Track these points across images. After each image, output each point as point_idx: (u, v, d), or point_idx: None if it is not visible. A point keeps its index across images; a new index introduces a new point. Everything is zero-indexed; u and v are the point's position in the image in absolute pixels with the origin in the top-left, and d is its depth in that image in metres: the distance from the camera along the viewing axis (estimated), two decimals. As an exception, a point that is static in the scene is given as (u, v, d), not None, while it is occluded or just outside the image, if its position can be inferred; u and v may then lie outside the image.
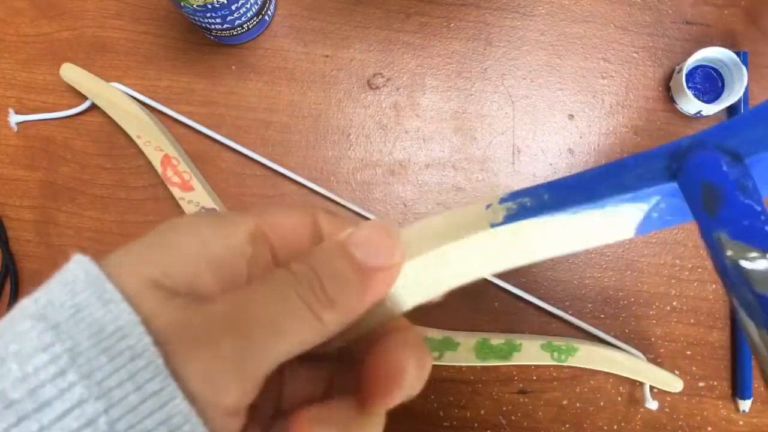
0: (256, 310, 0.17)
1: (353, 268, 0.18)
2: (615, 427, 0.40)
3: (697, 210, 0.17)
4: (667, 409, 0.40)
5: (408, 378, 0.19)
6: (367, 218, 0.40)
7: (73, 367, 0.14)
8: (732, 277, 0.16)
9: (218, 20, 0.36)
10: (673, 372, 0.39)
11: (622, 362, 0.39)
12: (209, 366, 0.15)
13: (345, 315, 0.18)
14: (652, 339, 0.40)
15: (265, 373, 0.16)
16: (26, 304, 0.16)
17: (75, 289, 0.16)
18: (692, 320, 0.40)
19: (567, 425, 0.40)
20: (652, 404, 0.39)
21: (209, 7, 0.34)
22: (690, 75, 0.41)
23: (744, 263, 0.16)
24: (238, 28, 0.38)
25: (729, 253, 0.16)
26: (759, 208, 0.16)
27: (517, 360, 0.38)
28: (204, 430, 0.15)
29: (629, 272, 0.40)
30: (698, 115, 0.40)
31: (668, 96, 0.41)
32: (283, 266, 0.18)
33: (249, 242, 0.19)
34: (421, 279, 0.20)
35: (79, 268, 0.16)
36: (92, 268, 0.16)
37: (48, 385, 0.14)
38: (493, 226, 0.19)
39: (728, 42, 0.41)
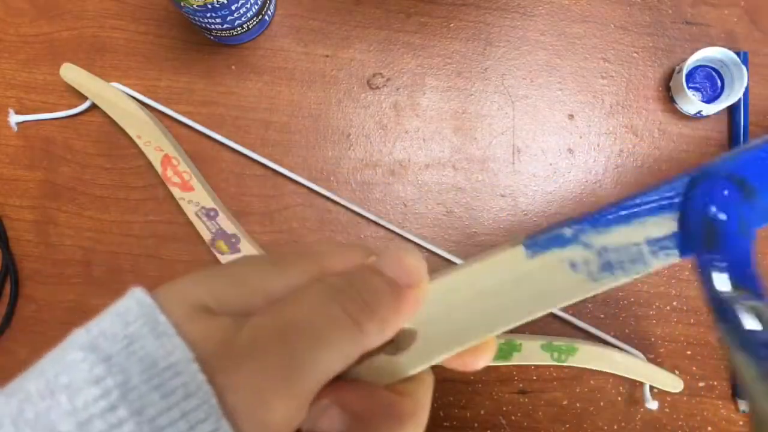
0: (298, 320, 0.16)
1: (386, 283, 0.18)
2: (615, 427, 0.40)
3: (697, 244, 0.18)
4: (667, 409, 0.40)
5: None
6: (367, 218, 0.40)
7: (124, 403, 0.14)
8: (722, 311, 0.17)
9: (218, 20, 0.36)
10: (673, 372, 0.39)
11: (622, 362, 0.39)
12: (255, 383, 0.15)
13: (383, 327, 0.18)
14: (652, 339, 0.40)
15: (313, 389, 0.16)
16: (78, 334, 0.15)
17: (127, 319, 0.15)
18: (692, 320, 0.40)
19: (567, 425, 0.40)
20: (652, 404, 0.39)
21: (209, 7, 0.34)
22: (690, 75, 0.41)
23: (737, 302, 0.17)
24: (238, 28, 0.38)
25: (723, 289, 0.17)
26: (751, 249, 0.17)
27: (517, 360, 0.38)
28: None
29: (629, 272, 0.40)
30: (698, 115, 0.40)
31: (668, 96, 0.41)
32: (319, 280, 0.18)
33: (310, 281, 0.19)
34: (451, 313, 0.19)
35: (132, 297, 0.16)
36: (144, 298, 0.16)
37: (97, 420, 0.13)
38: (525, 247, 0.19)
39: (728, 42, 0.41)
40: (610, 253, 0.19)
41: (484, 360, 0.20)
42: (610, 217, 0.19)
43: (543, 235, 0.19)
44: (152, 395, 0.14)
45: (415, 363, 0.19)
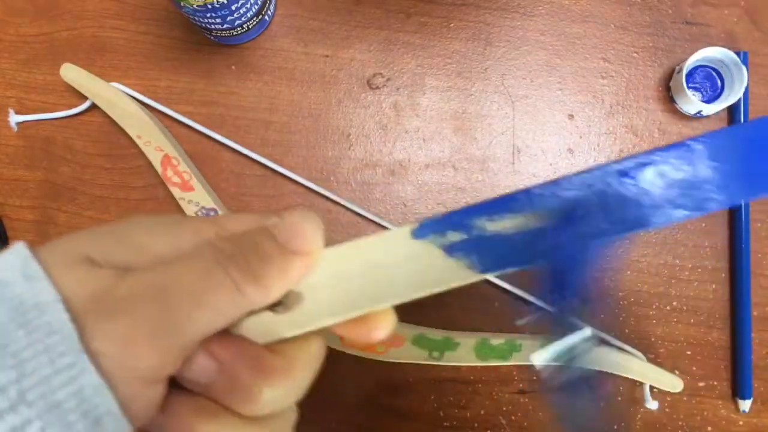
0: (180, 280, 0.17)
1: (276, 248, 0.19)
2: (615, 427, 0.40)
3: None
4: (667, 409, 0.40)
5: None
6: (367, 218, 0.40)
7: None
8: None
9: (218, 20, 0.36)
10: (673, 372, 0.39)
11: (622, 362, 0.39)
12: (126, 332, 0.16)
13: (266, 291, 0.18)
14: (652, 339, 0.40)
15: (187, 344, 0.17)
16: None
17: (3, 266, 0.16)
18: (692, 320, 0.40)
19: (567, 425, 0.40)
20: (652, 404, 0.39)
21: (209, 7, 0.34)
22: (690, 75, 0.41)
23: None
24: (238, 28, 0.38)
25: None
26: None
27: (517, 360, 0.38)
28: (113, 401, 0.15)
29: (629, 272, 0.40)
30: (698, 115, 0.40)
31: (668, 96, 0.41)
32: (208, 242, 0.19)
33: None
34: (341, 282, 0.20)
35: (12, 250, 0.17)
36: (22, 250, 0.17)
37: None
38: (414, 235, 0.19)
39: (728, 42, 0.41)
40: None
41: (378, 333, 0.20)
42: (492, 205, 0.19)
43: (430, 219, 0.20)
44: (17, 332, 0.15)
45: (298, 325, 0.20)
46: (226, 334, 0.19)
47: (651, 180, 0.19)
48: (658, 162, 0.19)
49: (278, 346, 0.20)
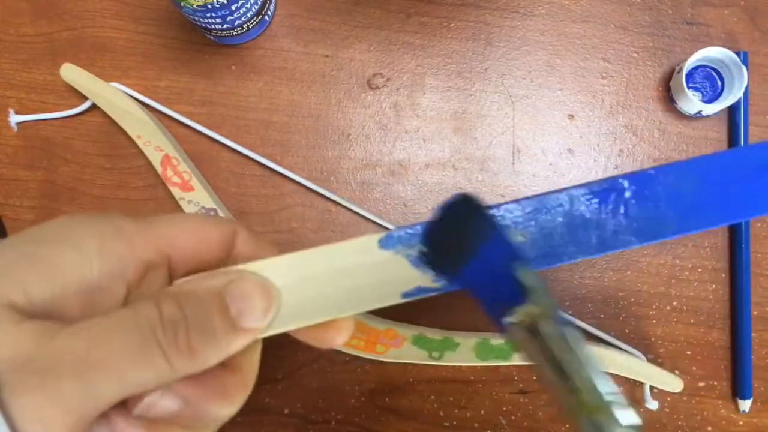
0: (107, 353, 0.16)
1: (224, 323, 0.18)
2: (615, 427, 0.40)
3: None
4: (667, 409, 0.40)
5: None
6: (367, 218, 0.40)
7: None
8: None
9: (218, 20, 0.36)
10: (673, 372, 0.39)
11: (622, 362, 0.39)
12: (42, 407, 0.15)
13: (200, 365, 0.18)
14: (652, 339, 0.40)
15: (99, 412, 0.16)
16: None
17: None
18: (692, 320, 0.40)
19: (567, 425, 0.40)
20: (652, 404, 0.39)
21: (209, 7, 0.34)
22: (690, 75, 0.41)
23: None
24: (238, 28, 0.38)
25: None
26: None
27: (517, 360, 0.38)
28: None
29: (629, 272, 0.40)
30: (698, 115, 0.40)
31: (668, 96, 0.41)
32: (154, 298, 0.18)
33: (137, 265, 0.18)
34: (307, 286, 0.20)
35: None
36: None
37: None
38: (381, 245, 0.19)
39: (728, 42, 0.41)
40: None
41: (337, 339, 0.20)
42: None
43: (398, 230, 0.20)
44: None
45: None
46: None
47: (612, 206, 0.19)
48: (623, 188, 0.19)
49: (231, 360, 0.19)
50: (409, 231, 0.20)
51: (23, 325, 0.16)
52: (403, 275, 0.20)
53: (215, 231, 0.20)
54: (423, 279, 0.20)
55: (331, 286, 0.20)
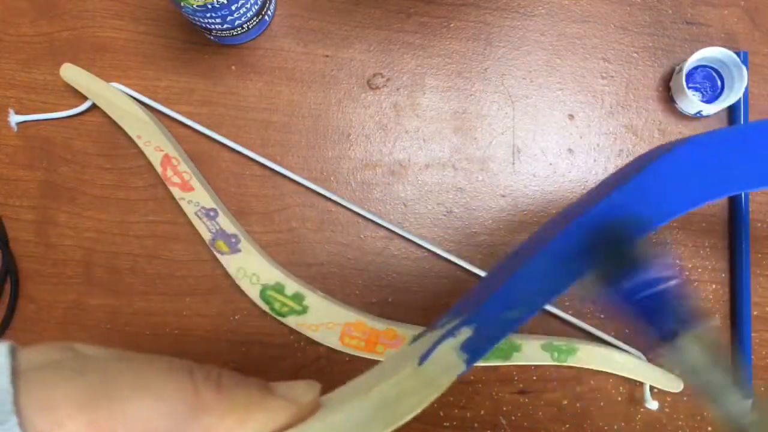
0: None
1: (259, 383, 0.19)
2: (615, 427, 0.40)
3: None
4: (667, 409, 0.40)
5: None
6: (367, 218, 0.40)
7: None
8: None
9: (218, 20, 0.36)
10: (673, 372, 0.39)
11: (622, 362, 0.39)
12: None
13: (229, 403, 0.18)
14: (652, 339, 0.40)
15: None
16: None
17: None
18: (692, 320, 0.40)
19: (567, 425, 0.40)
20: (652, 404, 0.39)
21: (209, 7, 0.34)
22: (690, 75, 0.41)
23: None
24: (238, 29, 0.38)
25: None
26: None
27: (517, 360, 0.38)
28: None
29: (629, 272, 0.40)
30: (698, 115, 0.40)
31: (668, 96, 0.41)
32: None
33: None
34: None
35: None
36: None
37: None
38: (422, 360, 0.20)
39: (728, 42, 0.41)
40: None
41: None
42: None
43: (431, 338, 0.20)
44: None
45: None
46: None
47: None
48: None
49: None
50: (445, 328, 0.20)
51: None
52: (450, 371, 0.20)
53: (171, 410, 0.18)
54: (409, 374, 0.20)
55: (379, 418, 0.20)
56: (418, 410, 0.20)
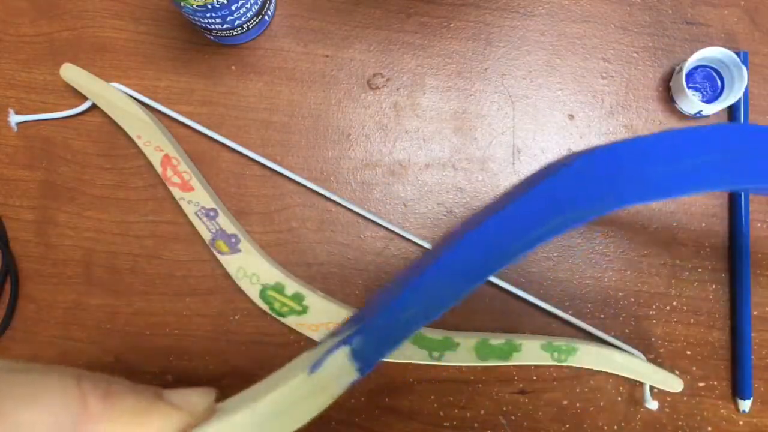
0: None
1: (150, 389, 0.19)
2: (615, 427, 0.40)
3: None
4: (667, 409, 0.40)
5: None
6: (367, 218, 0.40)
7: None
8: None
9: (218, 20, 0.36)
10: (673, 372, 0.39)
11: (622, 362, 0.39)
12: None
13: (117, 409, 0.18)
14: (652, 339, 0.40)
15: None
16: None
17: None
18: (692, 320, 0.40)
19: (567, 425, 0.40)
20: (652, 404, 0.39)
21: (209, 7, 0.34)
22: (690, 75, 0.41)
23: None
24: (238, 29, 0.38)
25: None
26: None
27: (517, 360, 0.38)
28: None
29: (629, 272, 0.40)
30: (698, 115, 0.40)
31: (668, 96, 0.41)
32: None
33: None
34: None
35: None
36: None
37: None
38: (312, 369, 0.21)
39: (728, 42, 0.41)
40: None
41: None
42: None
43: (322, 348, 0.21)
44: None
45: None
46: None
47: None
48: None
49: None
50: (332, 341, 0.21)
51: None
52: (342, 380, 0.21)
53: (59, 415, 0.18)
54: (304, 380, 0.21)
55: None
56: (310, 417, 0.21)
